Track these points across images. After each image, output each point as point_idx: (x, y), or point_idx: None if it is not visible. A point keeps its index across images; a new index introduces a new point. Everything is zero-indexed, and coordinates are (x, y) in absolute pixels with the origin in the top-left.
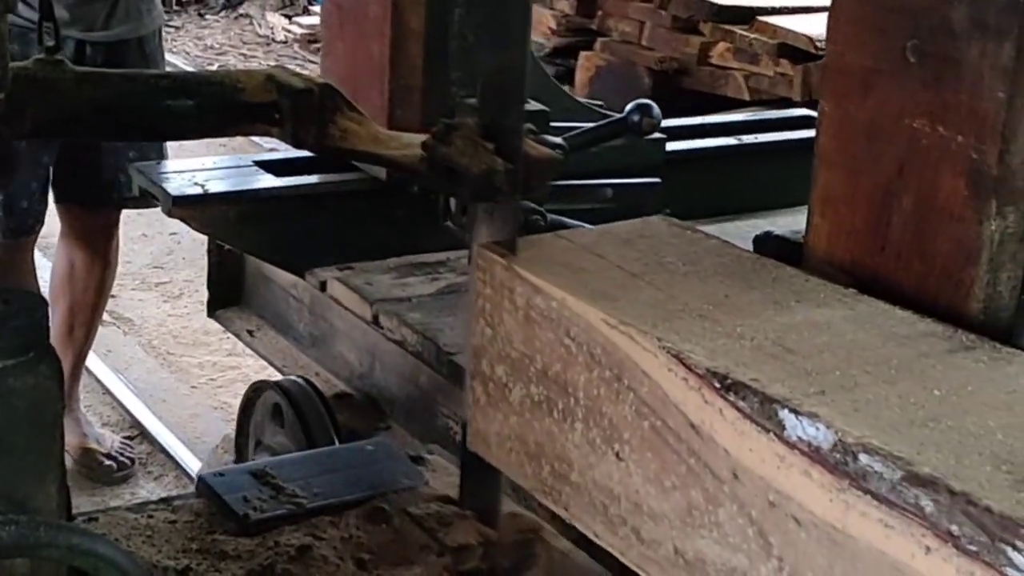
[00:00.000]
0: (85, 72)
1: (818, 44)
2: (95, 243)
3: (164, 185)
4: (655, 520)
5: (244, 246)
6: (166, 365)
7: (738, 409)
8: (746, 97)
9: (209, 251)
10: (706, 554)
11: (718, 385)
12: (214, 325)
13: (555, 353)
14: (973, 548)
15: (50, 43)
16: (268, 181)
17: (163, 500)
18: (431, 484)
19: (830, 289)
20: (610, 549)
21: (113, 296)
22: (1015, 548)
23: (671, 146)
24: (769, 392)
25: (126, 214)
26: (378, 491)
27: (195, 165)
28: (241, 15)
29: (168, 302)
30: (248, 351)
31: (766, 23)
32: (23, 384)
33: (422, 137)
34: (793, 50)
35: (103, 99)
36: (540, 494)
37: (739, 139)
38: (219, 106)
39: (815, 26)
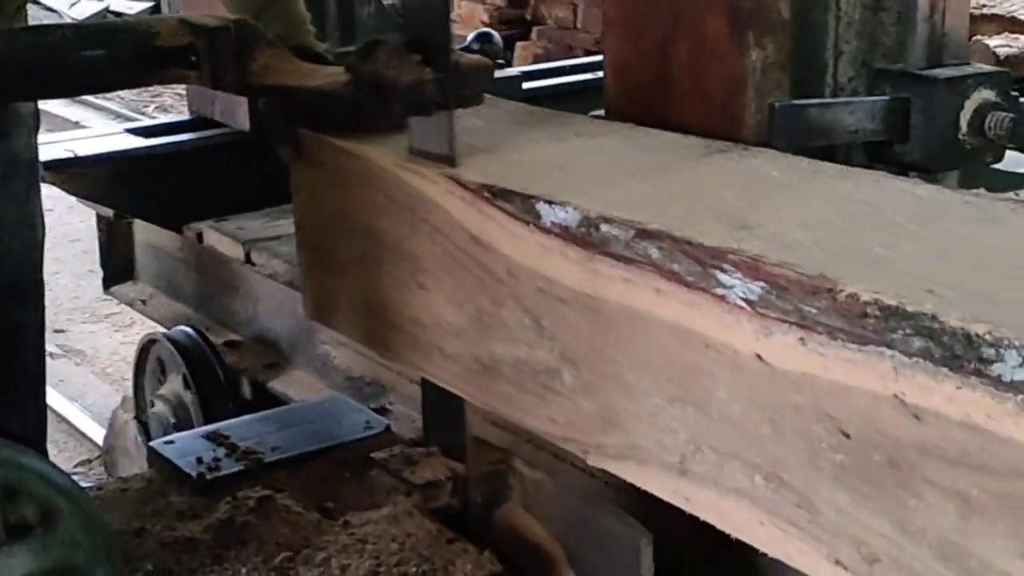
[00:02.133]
0: None
1: None
2: None
3: None
4: (456, 335)
5: (119, 206)
6: (122, 390)
7: (506, 212)
8: None
9: (99, 230)
10: (497, 354)
11: (488, 195)
12: None
13: (364, 208)
14: (691, 279)
15: None
16: (136, 142)
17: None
18: (394, 430)
19: (612, 126)
20: (426, 375)
21: (63, 331)
22: (722, 270)
23: (528, 84)
24: (530, 192)
25: (76, 250)
26: (339, 441)
27: (66, 136)
28: None
29: (120, 331)
30: None
31: None
32: None
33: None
34: None
35: (10, 54)
36: (372, 346)
37: (595, 75)
38: (133, 54)
39: None
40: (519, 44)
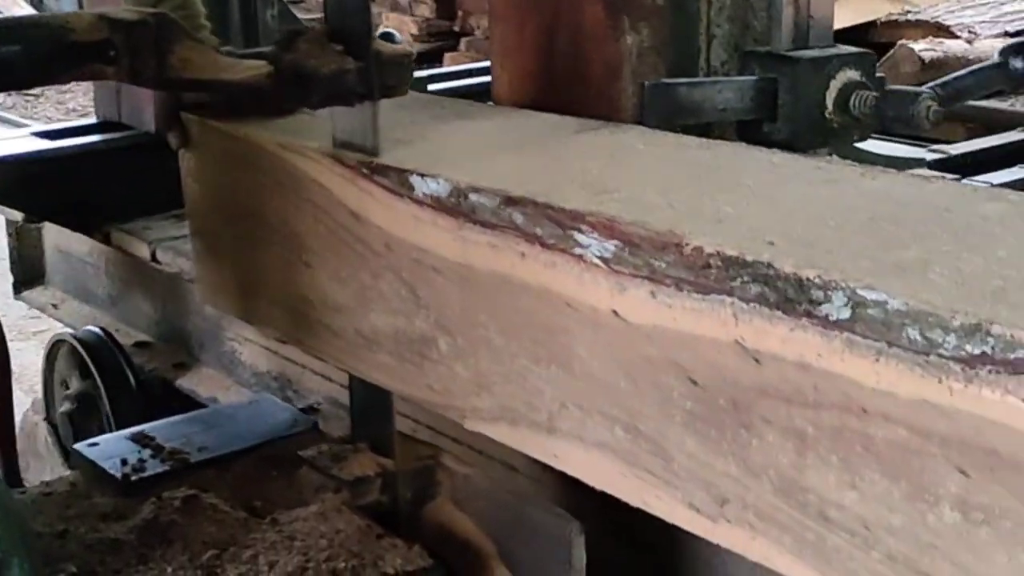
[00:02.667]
0: None
1: None
2: None
3: None
4: (340, 311)
5: (27, 210)
6: None
7: (382, 186)
8: None
9: (8, 235)
10: (378, 326)
11: (365, 171)
12: None
13: (249, 190)
14: (552, 241)
15: None
16: (42, 144)
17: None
18: (322, 429)
19: (494, 109)
20: (313, 352)
21: None
22: (580, 231)
23: (434, 86)
24: (405, 167)
25: (3, 268)
26: (265, 440)
27: None
28: None
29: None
30: None
31: None
32: None
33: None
34: None
35: None
36: (258, 323)
37: None
38: (49, 50)
39: None
40: (448, 55)
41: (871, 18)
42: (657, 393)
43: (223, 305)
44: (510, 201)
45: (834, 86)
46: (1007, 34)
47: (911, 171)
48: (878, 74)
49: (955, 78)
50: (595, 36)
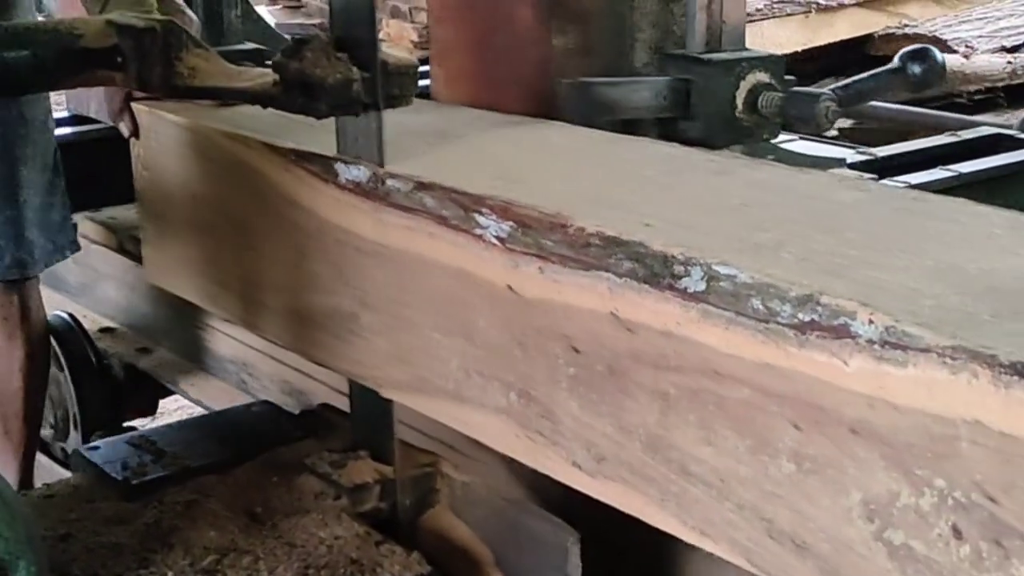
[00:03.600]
0: None
1: None
2: (6, 320)
3: None
4: (278, 290)
5: None
6: None
7: (311, 172)
8: None
9: None
10: (311, 304)
11: (295, 158)
12: None
13: (196, 176)
14: (456, 222)
15: None
16: None
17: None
18: (322, 436)
19: (428, 105)
20: (254, 331)
21: None
22: (480, 213)
23: None
24: (329, 155)
25: None
26: (267, 446)
27: None
28: None
29: None
30: None
31: None
32: None
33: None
34: None
35: None
36: (207, 304)
37: None
38: (58, 55)
39: None
40: None
41: (868, 31)
42: (545, 361)
43: (170, 283)
44: (421, 186)
45: (744, 87)
46: (1004, 49)
47: (830, 170)
48: (787, 77)
49: (855, 81)
50: (526, 38)
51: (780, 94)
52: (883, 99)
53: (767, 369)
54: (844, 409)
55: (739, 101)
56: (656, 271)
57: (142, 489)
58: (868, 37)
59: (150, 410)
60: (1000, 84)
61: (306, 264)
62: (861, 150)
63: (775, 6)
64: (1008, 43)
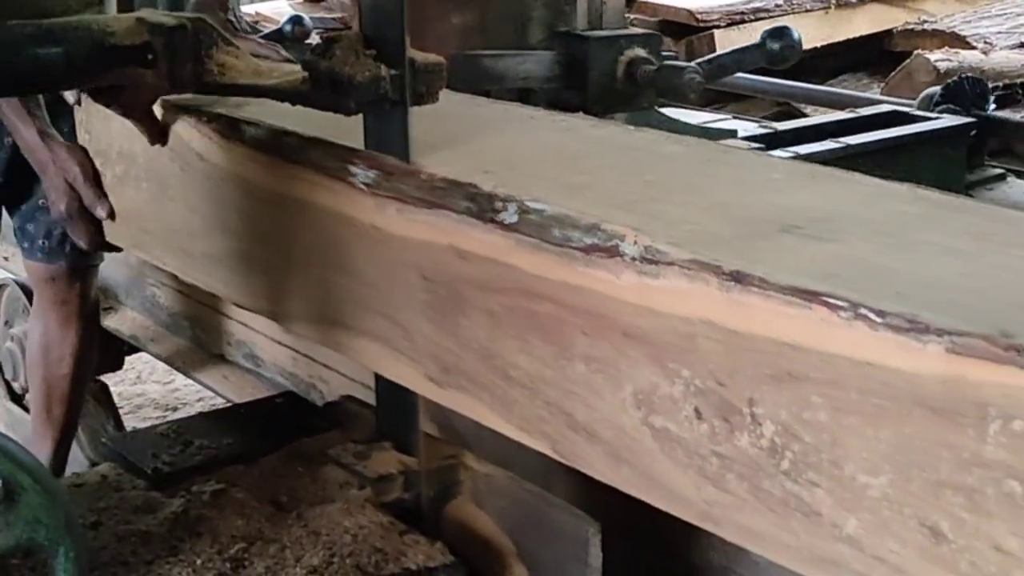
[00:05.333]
0: None
1: (699, 17)
2: (65, 305)
3: None
4: (194, 235)
5: None
6: None
7: (219, 132)
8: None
9: None
10: (218, 246)
11: (205, 119)
12: None
13: (126, 137)
14: (335, 171)
15: None
16: None
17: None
18: (346, 427)
19: None
20: (175, 271)
21: None
22: (353, 164)
23: None
24: (235, 115)
25: None
26: (292, 437)
27: None
28: None
29: None
30: (153, 379)
31: (646, 3)
32: None
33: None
34: (675, 26)
35: None
36: (136, 251)
37: None
38: (89, 52)
39: (693, 1)
40: None
41: (887, 27)
42: (405, 289)
43: (112, 238)
44: (310, 142)
45: (622, 61)
46: (1023, 45)
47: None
48: (664, 52)
49: (719, 56)
50: (429, 16)
51: (653, 67)
52: (747, 72)
53: (564, 287)
54: (619, 316)
55: (618, 73)
56: (484, 207)
57: (170, 478)
58: (887, 33)
59: (117, 366)
60: (1019, 80)
61: (215, 211)
62: (764, 124)
63: (794, 2)
64: None
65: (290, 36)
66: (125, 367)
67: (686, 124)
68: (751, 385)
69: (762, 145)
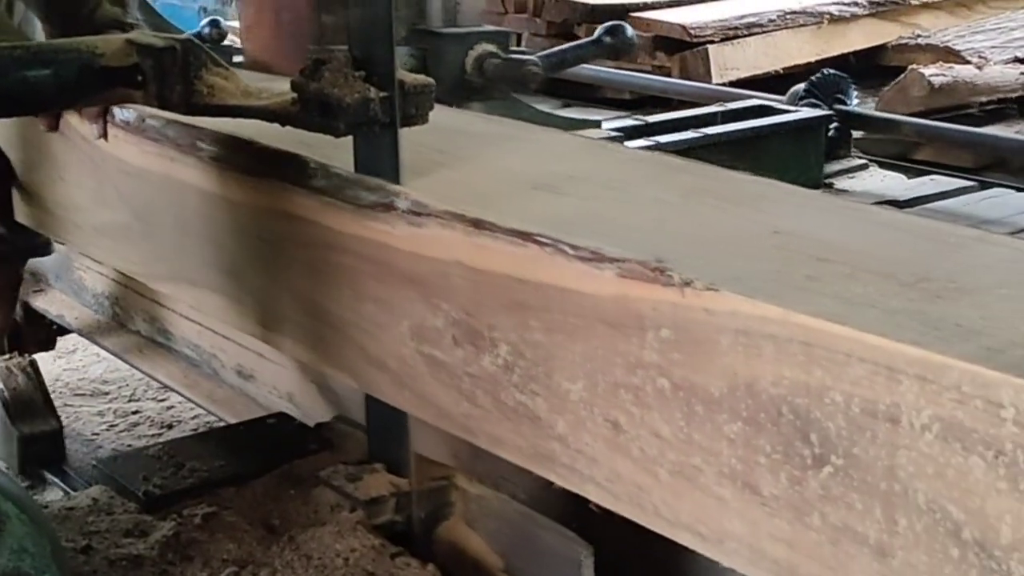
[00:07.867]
0: None
1: (692, 32)
2: None
3: None
4: (81, 210)
5: None
6: (64, 416)
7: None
8: (626, 96)
9: None
10: (102, 219)
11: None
12: (113, 375)
13: (30, 128)
14: (186, 147)
15: None
16: None
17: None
18: (338, 448)
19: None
20: (66, 243)
21: None
22: (201, 140)
23: None
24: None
25: None
26: (283, 459)
27: None
28: None
29: (63, 358)
30: (148, 396)
31: (640, 18)
32: None
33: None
34: (668, 41)
35: None
36: (37, 225)
37: None
38: (78, 74)
39: (687, 16)
40: None
41: (881, 42)
42: (243, 248)
43: (20, 216)
44: (169, 123)
45: (472, 56)
46: (1017, 60)
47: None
48: (512, 48)
49: (559, 50)
50: (304, 17)
51: (498, 61)
52: (589, 64)
53: (359, 240)
54: (397, 262)
55: (468, 66)
56: (302, 174)
57: (161, 501)
58: (881, 47)
59: (49, 345)
60: (1013, 95)
61: (99, 188)
62: (636, 117)
63: (788, 16)
64: (1021, 54)
65: (208, 38)
66: (118, 385)
67: (548, 114)
68: (491, 314)
69: (621, 135)
